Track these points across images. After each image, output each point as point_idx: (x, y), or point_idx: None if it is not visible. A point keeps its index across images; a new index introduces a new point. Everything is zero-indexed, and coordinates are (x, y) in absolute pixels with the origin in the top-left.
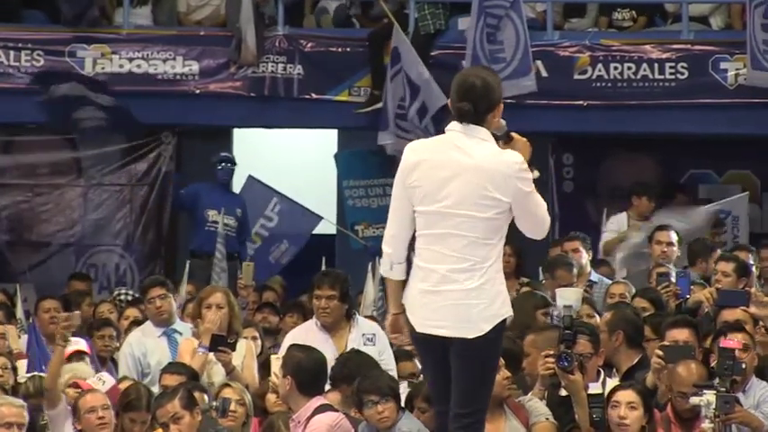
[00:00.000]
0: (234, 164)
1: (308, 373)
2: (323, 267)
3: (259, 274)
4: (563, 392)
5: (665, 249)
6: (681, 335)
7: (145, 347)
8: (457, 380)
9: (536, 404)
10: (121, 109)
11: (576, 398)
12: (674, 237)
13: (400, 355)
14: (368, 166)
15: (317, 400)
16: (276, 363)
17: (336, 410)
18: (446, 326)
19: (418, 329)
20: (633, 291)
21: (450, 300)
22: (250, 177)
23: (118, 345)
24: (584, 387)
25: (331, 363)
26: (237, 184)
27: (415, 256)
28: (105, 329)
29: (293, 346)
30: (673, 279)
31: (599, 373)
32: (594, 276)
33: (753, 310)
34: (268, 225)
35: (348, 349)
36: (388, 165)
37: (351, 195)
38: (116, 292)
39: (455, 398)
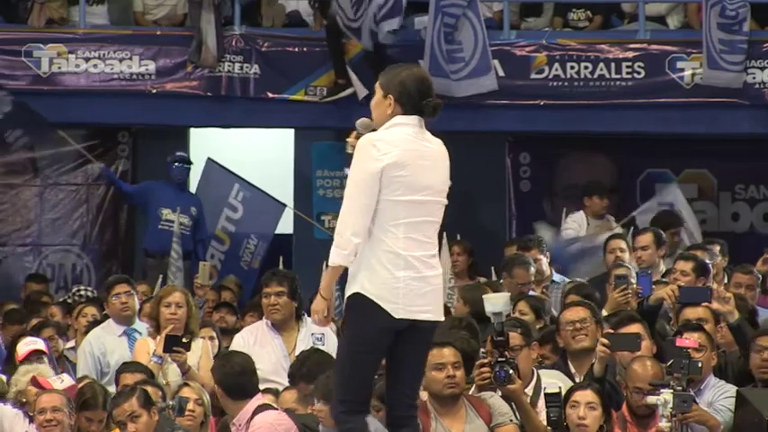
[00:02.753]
0: (189, 163)
1: (231, 379)
2: (280, 267)
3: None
4: None
5: (619, 255)
6: (632, 330)
7: (104, 346)
8: (414, 366)
9: (498, 402)
10: (21, 106)
11: (517, 405)
12: (623, 243)
13: None
14: (345, 158)
15: (256, 401)
16: None
17: (276, 408)
18: (430, 310)
19: (398, 316)
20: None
21: (432, 285)
22: (209, 161)
23: (71, 344)
24: (523, 392)
25: (280, 361)
26: (194, 184)
27: (390, 245)
28: (46, 330)
29: (217, 356)
30: (633, 280)
31: (533, 371)
32: (557, 277)
33: (715, 306)
34: (234, 217)
35: (297, 348)
36: None
37: (322, 185)
38: (75, 290)
39: (411, 384)
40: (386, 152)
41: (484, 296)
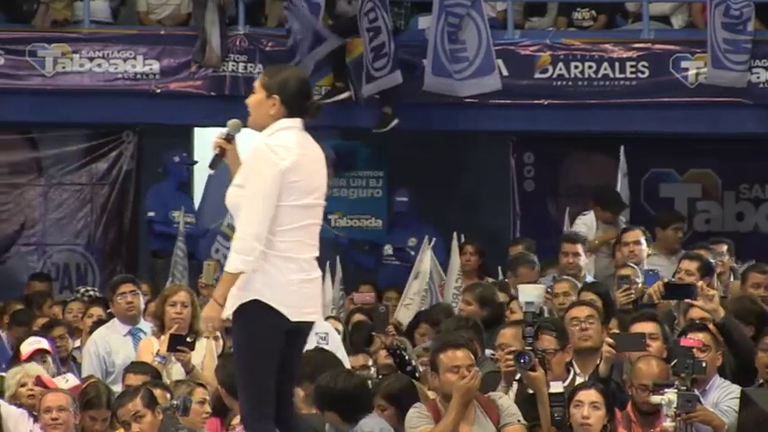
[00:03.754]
0: (193, 163)
1: (234, 379)
2: None
3: None
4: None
5: (633, 249)
6: (646, 328)
7: (109, 346)
8: (296, 367)
9: (507, 402)
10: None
11: (537, 395)
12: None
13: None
14: (354, 158)
15: None
16: None
17: None
18: (316, 311)
19: (293, 318)
20: (579, 287)
21: (316, 286)
22: None
23: (77, 344)
24: (546, 384)
25: None
26: (200, 183)
27: (283, 249)
28: (56, 329)
29: (221, 356)
30: (638, 280)
31: (569, 370)
32: (589, 278)
33: (700, 303)
34: None
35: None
36: (373, 157)
37: (329, 185)
38: (82, 290)
39: (293, 387)
40: (283, 158)
41: (519, 286)
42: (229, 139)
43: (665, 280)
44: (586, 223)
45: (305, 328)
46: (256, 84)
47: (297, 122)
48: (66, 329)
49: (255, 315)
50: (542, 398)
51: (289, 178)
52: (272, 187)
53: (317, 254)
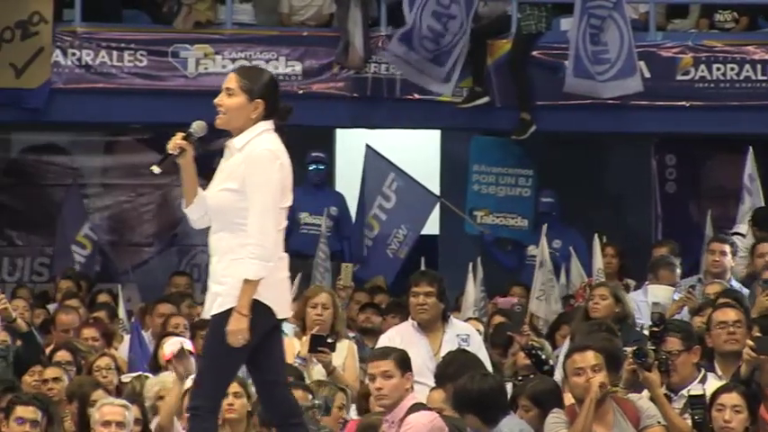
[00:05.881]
0: (325, 164)
1: None
2: (422, 267)
3: (379, 271)
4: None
5: None
6: None
7: None
8: (282, 361)
9: (646, 404)
10: None
11: (651, 394)
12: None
13: None
14: (504, 155)
15: (410, 399)
16: None
17: (430, 409)
18: (290, 307)
19: (281, 315)
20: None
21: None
22: (368, 147)
23: None
24: (660, 385)
25: (426, 362)
26: (339, 182)
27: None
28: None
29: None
30: None
31: (699, 369)
32: (735, 284)
33: None
34: (386, 206)
35: (442, 349)
36: (525, 156)
37: (478, 180)
38: None
39: (281, 369)
40: (282, 161)
41: (648, 287)
42: (192, 140)
43: None
44: (745, 245)
45: (280, 324)
46: (233, 86)
47: (272, 125)
48: None
49: (254, 314)
50: (656, 398)
51: (284, 181)
52: (278, 191)
53: None
